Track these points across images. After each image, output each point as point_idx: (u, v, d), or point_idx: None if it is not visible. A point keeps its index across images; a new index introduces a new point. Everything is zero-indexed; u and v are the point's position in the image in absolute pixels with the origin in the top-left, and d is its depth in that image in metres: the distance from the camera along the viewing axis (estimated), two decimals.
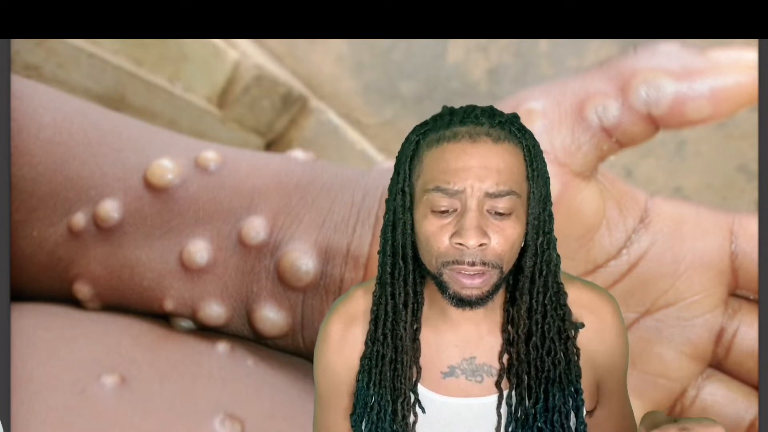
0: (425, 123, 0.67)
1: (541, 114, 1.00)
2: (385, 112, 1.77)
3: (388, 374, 0.67)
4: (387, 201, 0.67)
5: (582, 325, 0.68)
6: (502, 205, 0.62)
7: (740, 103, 0.97)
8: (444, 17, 0.99)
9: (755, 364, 1.01)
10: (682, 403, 1.04)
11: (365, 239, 1.10)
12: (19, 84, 1.20)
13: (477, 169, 0.62)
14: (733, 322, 1.03)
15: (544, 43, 1.72)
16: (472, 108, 0.66)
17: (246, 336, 1.17)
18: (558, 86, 1.03)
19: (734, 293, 1.04)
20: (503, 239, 0.62)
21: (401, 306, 0.67)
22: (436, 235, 0.63)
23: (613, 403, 0.71)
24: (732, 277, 1.03)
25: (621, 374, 0.71)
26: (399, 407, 0.67)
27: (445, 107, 0.68)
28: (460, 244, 0.61)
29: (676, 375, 1.03)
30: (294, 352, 1.17)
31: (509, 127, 0.65)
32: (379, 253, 0.68)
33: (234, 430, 1.00)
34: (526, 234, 0.64)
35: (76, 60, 1.52)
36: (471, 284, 0.62)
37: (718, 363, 1.04)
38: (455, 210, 0.62)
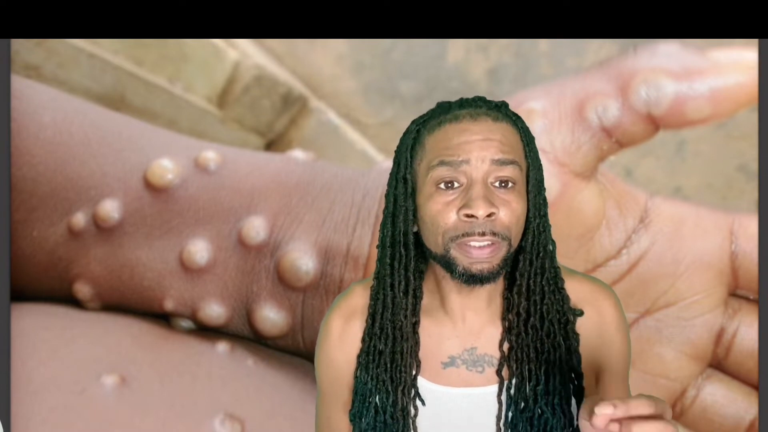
0: (423, 115, 0.68)
1: (541, 114, 1.00)
2: (385, 112, 1.77)
3: (387, 366, 0.67)
4: (386, 194, 0.68)
5: (581, 312, 0.68)
6: (507, 173, 0.63)
7: (740, 103, 0.97)
8: (444, 17, 0.99)
9: (755, 364, 1.01)
10: (682, 403, 1.04)
11: (365, 239, 1.10)
12: (19, 84, 1.20)
13: (480, 141, 0.63)
14: (733, 322, 1.03)
15: (544, 43, 1.72)
16: (469, 97, 0.68)
17: (246, 336, 1.17)
18: (558, 86, 1.03)
19: (734, 293, 1.04)
20: (510, 211, 0.63)
21: (401, 294, 0.67)
22: (442, 212, 0.63)
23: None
24: (732, 277, 1.03)
25: (621, 368, 0.70)
26: (398, 401, 0.67)
27: (439, 102, 0.69)
28: (469, 215, 0.62)
29: (676, 375, 1.03)
30: (294, 352, 1.17)
31: (505, 111, 0.66)
32: (377, 247, 0.68)
33: (234, 430, 1.00)
34: (527, 213, 0.65)
35: (76, 60, 1.52)
36: (480, 255, 0.62)
37: (718, 363, 1.04)
38: (461, 186, 0.63)
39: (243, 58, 1.70)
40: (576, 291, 0.69)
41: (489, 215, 0.62)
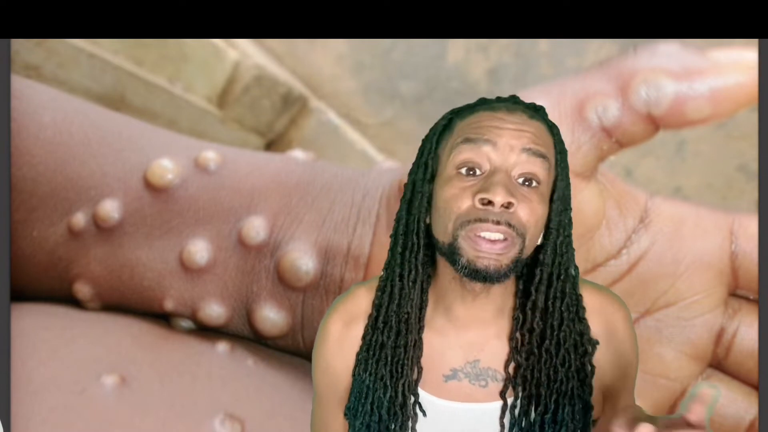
0: (460, 106, 0.66)
1: None
2: (385, 112, 1.77)
3: (388, 359, 0.64)
4: (407, 183, 0.65)
5: (597, 342, 0.66)
6: (535, 168, 0.60)
7: (740, 103, 0.96)
8: (444, 17, 0.99)
9: (755, 364, 1.01)
10: None
11: (365, 239, 1.10)
12: (19, 84, 1.20)
13: (512, 130, 0.61)
14: (733, 322, 1.03)
15: (544, 43, 1.72)
16: (505, 96, 0.66)
17: (246, 336, 1.17)
18: (558, 86, 1.03)
19: (734, 293, 1.04)
20: (529, 209, 0.59)
21: (410, 284, 0.64)
22: (457, 197, 0.60)
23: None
24: (732, 277, 1.03)
25: (628, 382, 0.69)
26: (397, 395, 0.64)
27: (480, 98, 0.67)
28: (486, 201, 0.58)
29: (676, 375, 1.03)
30: (294, 352, 1.17)
31: (543, 114, 0.64)
32: (390, 236, 0.66)
33: (234, 430, 1.00)
34: (547, 226, 0.62)
35: (76, 60, 1.52)
36: (490, 250, 0.59)
37: (718, 363, 1.04)
38: (482, 174, 0.60)
39: (243, 58, 1.70)
40: (586, 303, 0.66)
41: (507, 206, 0.58)
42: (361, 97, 1.78)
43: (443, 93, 1.75)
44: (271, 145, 1.80)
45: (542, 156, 0.60)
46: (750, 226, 1.02)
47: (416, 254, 0.64)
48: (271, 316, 1.12)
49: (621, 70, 1.00)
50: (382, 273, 0.68)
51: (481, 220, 0.58)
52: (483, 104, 0.64)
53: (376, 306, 0.66)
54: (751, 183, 1.62)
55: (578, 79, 1.03)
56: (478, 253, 0.59)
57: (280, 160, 1.23)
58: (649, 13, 0.97)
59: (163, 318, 1.18)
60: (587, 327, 0.65)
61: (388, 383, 0.65)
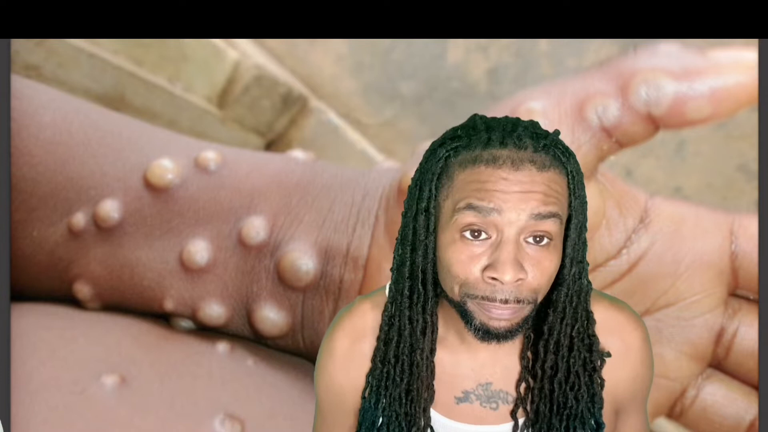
0: (456, 136, 0.60)
1: (541, 114, 1.00)
2: (385, 112, 1.77)
3: (402, 400, 0.63)
4: (405, 217, 0.62)
5: (609, 355, 0.64)
6: (545, 227, 0.57)
7: (740, 103, 0.96)
8: (444, 17, 0.99)
9: (755, 364, 1.01)
10: (682, 403, 1.04)
11: (365, 239, 1.10)
12: (19, 84, 1.20)
13: (519, 193, 0.56)
14: (733, 322, 1.03)
15: (544, 43, 1.72)
16: (512, 126, 0.59)
17: (246, 336, 1.17)
18: (558, 86, 1.03)
19: (734, 293, 1.04)
20: (540, 272, 0.57)
21: (419, 334, 0.62)
22: (463, 264, 0.57)
23: (629, 427, 0.69)
24: (732, 277, 1.03)
25: (642, 399, 0.69)
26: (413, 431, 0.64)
27: (477, 117, 0.61)
28: (495, 278, 0.56)
29: (676, 375, 1.03)
30: (294, 352, 1.17)
31: (554, 151, 0.58)
32: (392, 270, 0.64)
33: (234, 430, 1.00)
34: (562, 267, 0.60)
35: (76, 60, 1.52)
36: (500, 315, 0.57)
37: (718, 363, 1.04)
38: (488, 238, 0.57)
39: (243, 58, 1.70)
40: (603, 321, 0.65)
41: (517, 280, 0.56)
42: (361, 97, 1.78)
43: (443, 93, 1.75)
44: (271, 145, 1.79)
45: (552, 216, 0.57)
46: (750, 226, 1.02)
47: (423, 305, 0.62)
48: (271, 316, 1.12)
49: (621, 70, 1.00)
50: (384, 289, 0.66)
51: (489, 299, 0.57)
52: (483, 146, 0.58)
53: (383, 340, 0.64)
54: (751, 183, 1.62)
55: (578, 79, 1.03)
56: (490, 317, 0.58)
57: (280, 160, 1.23)
58: (649, 13, 0.97)
59: (163, 318, 1.18)
60: (597, 341, 0.64)
61: (403, 424, 0.64)
